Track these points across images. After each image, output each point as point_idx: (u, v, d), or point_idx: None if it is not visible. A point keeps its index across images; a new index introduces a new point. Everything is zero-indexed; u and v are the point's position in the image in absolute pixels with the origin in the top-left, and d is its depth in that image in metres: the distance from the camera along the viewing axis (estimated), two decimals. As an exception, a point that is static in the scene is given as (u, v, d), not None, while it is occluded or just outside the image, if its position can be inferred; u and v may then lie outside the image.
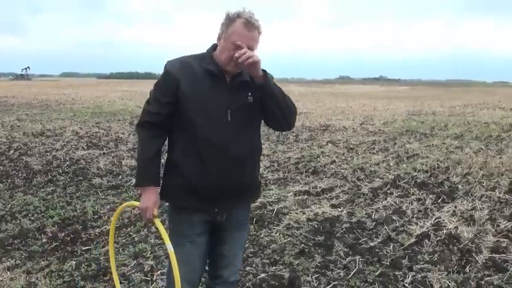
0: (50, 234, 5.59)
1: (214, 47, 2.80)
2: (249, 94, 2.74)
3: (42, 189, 7.60)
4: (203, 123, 2.66)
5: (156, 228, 2.81)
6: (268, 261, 4.90)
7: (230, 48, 2.63)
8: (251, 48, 2.64)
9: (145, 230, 5.67)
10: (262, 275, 4.54)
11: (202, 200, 2.75)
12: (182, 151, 2.74)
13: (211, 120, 2.67)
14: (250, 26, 2.62)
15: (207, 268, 3.11)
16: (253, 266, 4.77)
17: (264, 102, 2.73)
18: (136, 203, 2.90)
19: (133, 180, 7.83)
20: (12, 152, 10.71)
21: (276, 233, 5.66)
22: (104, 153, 10.84)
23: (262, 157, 9.96)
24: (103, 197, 7.25)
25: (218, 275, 3.01)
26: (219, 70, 2.70)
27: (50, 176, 8.45)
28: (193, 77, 2.68)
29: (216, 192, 2.73)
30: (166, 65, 2.76)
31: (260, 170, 8.19)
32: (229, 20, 2.65)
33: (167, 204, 3.07)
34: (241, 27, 2.61)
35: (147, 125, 2.78)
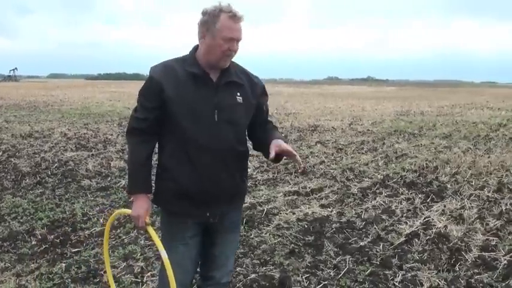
0: (40, 237, 5.56)
1: (196, 48, 2.78)
2: (238, 94, 2.74)
3: (31, 191, 7.56)
4: (190, 125, 2.64)
5: (149, 236, 2.79)
6: (258, 261, 4.90)
7: (221, 43, 2.61)
8: (239, 40, 2.66)
9: (135, 231, 5.65)
10: (253, 275, 4.55)
11: (193, 204, 2.74)
12: (171, 154, 2.74)
13: (198, 121, 2.65)
14: (236, 18, 2.62)
15: (198, 269, 3.11)
16: (244, 266, 4.77)
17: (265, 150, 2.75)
18: (128, 211, 2.88)
19: (123, 182, 7.83)
20: (0, 154, 10.64)
21: (266, 234, 5.66)
22: (92, 154, 10.79)
23: (251, 157, 10.00)
24: (92, 198, 7.22)
25: (210, 276, 3.01)
26: (202, 71, 2.69)
27: (38, 178, 8.40)
28: (177, 81, 2.66)
29: (207, 193, 2.72)
30: (150, 70, 2.75)
31: (249, 170, 8.12)
32: (213, 16, 2.62)
33: (155, 206, 3.06)
34: (228, 21, 2.61)
35: (135, 131, 2.77)
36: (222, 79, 2.73)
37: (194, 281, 3.23)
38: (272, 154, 2.58)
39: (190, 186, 2.70)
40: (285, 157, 2.70)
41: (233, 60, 2.79)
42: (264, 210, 6.53)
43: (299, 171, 2.59)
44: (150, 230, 2.73)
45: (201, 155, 2.66)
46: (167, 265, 2.57)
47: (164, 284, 2.68)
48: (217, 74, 2.73)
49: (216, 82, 2.71)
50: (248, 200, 6.96)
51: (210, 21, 2.63)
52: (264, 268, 4.74)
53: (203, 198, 2.73)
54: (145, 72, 2.83)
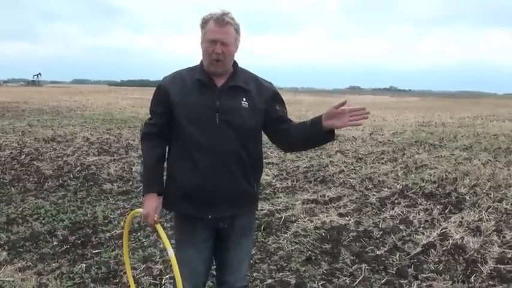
0: (61, 238, 5.68)
1: None
2: (244, 99, 2.80)
3: (53, 194, 7.71)
4: (193, 129, 2.74)
5: (157, 233, 2.86)
6: (275, 267, 4.96)
7: (207, 46, 2.73)
8: (225, 43, 2.71)
9: (155, 235, 5.74)
10: (269, 280, 4.61)
11: (194, 205, 2.80)
12: (176, 158, 2.84)
13: (200, 124, 2.73)
14: (221, 21, 2.71)
15: (214, 273, 3.17)
16: (260, 272, 4.83)
17: (311, 137, 2.79)
18: (141, 210, 2.97)
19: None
20: (23, 156, 10.84)
21: (283, 240, 5.72)
22: (114, 159, 10.95)
23: (271, 165, 10.06)
24: (113, 202, 7.35)
25: (225, 281, 3.06)
26: (207, 78, 2.79)
27: (61, 181, 8.56)
28: (183, 87, 2.79)
29: (207, 195, 2.77)
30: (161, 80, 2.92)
31: (268, 178, 8.16)
32: (204, 22, 2.76)
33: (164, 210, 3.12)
34: (213, 25, 2.71)
35: (147, 136, 2.93)
36: (227, 84, 2.81)
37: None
38: (341, 102, 2.60)
39: (191, 188, 2.77)
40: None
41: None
42: (282, 217, 6.58)
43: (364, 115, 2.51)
44: (159, 227, 2.79)
45: (203, 157, 2.73)
46: (172, 260, 2.62)
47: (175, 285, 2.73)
48: (223, 80, 2.83)
49: (220, 87, 2.80)
50: (266, 207, 7.04)
51: (202, 28, 2.78)
52: (281, 274, 4.79)
53: (203, 199, 2.78)
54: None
